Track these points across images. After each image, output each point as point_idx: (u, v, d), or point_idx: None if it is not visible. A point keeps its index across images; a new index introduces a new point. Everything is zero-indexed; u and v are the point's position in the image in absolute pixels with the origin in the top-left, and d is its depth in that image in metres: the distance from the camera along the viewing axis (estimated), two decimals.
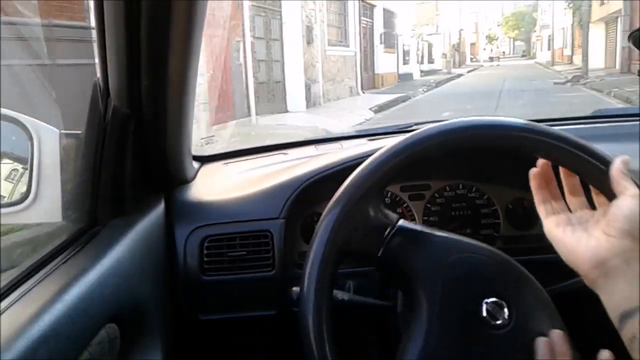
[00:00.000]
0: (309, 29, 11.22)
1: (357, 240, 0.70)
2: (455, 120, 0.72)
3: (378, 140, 1.29)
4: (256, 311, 1.03)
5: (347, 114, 10.13)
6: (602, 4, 24.50)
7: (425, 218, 1.17)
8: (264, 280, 1.02)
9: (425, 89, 16.18)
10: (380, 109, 11.15)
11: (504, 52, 72.83)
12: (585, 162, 0.68)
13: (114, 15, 0.75)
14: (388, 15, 19.12)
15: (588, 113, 1.53)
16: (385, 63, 18.25)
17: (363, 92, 15.03)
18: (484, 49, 68.73)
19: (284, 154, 1.37)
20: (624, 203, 0.64)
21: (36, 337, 0.58)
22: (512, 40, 74.93)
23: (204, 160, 1.34)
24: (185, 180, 1.14)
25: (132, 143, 0.90)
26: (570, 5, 29.68)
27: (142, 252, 0.91)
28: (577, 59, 30.89)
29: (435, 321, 0.69)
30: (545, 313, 0.72)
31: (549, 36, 44.55)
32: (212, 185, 1.17)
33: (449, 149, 0.71)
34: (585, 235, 0.67)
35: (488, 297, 0.70)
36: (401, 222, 0.73)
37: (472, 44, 58.42)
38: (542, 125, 0.71)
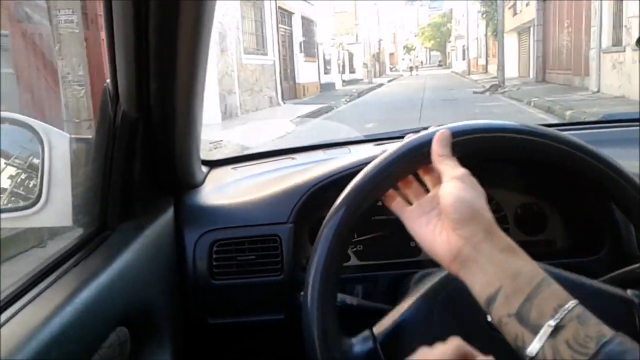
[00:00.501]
0: (221, 36, 10.76)
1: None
2: (455, 124, 0.73)
3: (386, 145, 1.27)
4: (265, 315, 1.03)
5: (265, 127, 9.69)
6: (515, 14, 25.46)
7: None
8: (272, 284, 1.03)
9: (347, 99, 15.95)
10: (302, 120, 10.48)
11: (422, 62, 73.82)
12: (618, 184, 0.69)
13: (123, 19, 0.75)
14: (307, 23, 18.79)
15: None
16: (306, 72, 17.94)
17: (284, 103, 14.61)
18: (403, 59, 69.91)
19: (292, 158, 1.37)
20: (447, 189, 0.63)
21: (47, 340, 0.59)
22: (428, 50, 76.75)
23: (213, 164, 1.35)
24: (194, 185, 1.14)
25: (141, 147, 0.90)
26: (484, 15, 29.87)
27: (151, 256, 0.91)
28: (492, 69, 31.42)
29: (438, 327, 0.69)
30: None
31: (464, 46, 45.13)
32: (220, 190, 1.18)
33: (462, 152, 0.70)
34: (438, 226, 0.65)
35: None
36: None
37: (391, 54, 59.80)
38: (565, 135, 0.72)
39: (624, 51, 11.09)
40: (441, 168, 0.65)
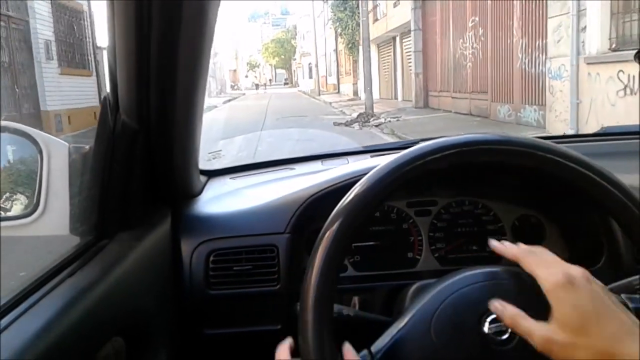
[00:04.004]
0: None
1: None
2: (456, 137, 0.73)
3: (384, 156, 1.27)
4: (261, 326, 1.03)
5: None
6: (375, 20, 19.18)
7: (431, 234, 1.17)
8: (269, 295, 1.03)
9: None
10: None
11: (270, 80, 69.41)
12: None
13: (125, 32, 0.76)
14: (68, 14, 9.74)
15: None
16: (68, 92, 9.85)
17: None
18: (246, 76, 65.49)
19: (291, 168, 1.38)
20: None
21: (43, 350, 0.59)
22: (273, 67, 70.79)
23: (211, 174, 1.35)
24: (192, 194, 1.15)
25: (140, 157, 0.91)
26: (335, 24, 24.38)
27: (148, 265, 0.92)
28: (345, 88, 27.56)
29: (436, 342, 0.69)
30: None
31: (310, 64, 40.85)
32: (218, 200, 1.18)
33: (456, 164, 0.72)
34: None
35: (491, 314, 0.68)
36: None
37: (233, 71, 55.25)
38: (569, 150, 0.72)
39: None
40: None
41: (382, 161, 0.72)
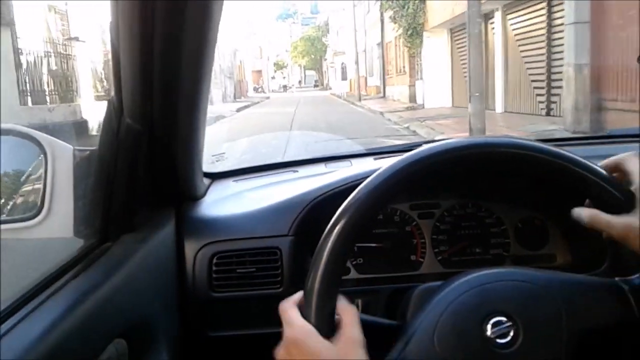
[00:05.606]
0: None
1: None
2: (454, 139, 0.73)
3: (387, 158, 1.24)
4: (265, 328, 1.03)
5: None
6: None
7: (434, 237, 1.18)
8: (272, 297, 1.01)
9: None
10: None
11: (300, 82, 65.11)
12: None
13: (129, 35, 0.77)
14: None
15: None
16: None
17: None
18: (273, 77, 60.84)
19: (294, 171, 1.38)
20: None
21: (45, 352, 0.59)
22: (302, 68, 64.96)
23: (215, 177, 1.35)
24: (195, 197, 1.15)
25: (144, 160, 0.91)
26: (384, 9, 19.63)
27: (152, 268, 0.92)
28: (395, 92, 20.61)
29: (438, 351, 0.68)
30: (554, 337, 0.70)
31: (342, 64, 37.60)
32: (222, 202, 1.18)
33: (451, 166, 0.73)
34: None
35: (493, 317, 0.69)
36: None
37: (258, 72, 50.61)
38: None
39: None
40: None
41: (386, 163, 0.72)
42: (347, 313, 0.69)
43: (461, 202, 1.19)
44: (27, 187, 0.88)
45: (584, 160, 0.72)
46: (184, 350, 1.03)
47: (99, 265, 0.80)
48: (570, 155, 0.72)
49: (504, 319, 0.69)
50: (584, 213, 0.72)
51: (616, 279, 0.74)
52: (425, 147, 0.73)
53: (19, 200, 0.88)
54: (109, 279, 0.76)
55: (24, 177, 0.88)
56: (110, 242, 0.87)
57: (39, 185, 0.84)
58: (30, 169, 0.87)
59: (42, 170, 0.84)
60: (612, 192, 0.71)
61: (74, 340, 0.64)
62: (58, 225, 0.84)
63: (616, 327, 0.70)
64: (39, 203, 0.83)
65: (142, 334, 0.85)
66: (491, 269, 0.75)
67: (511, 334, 0.68)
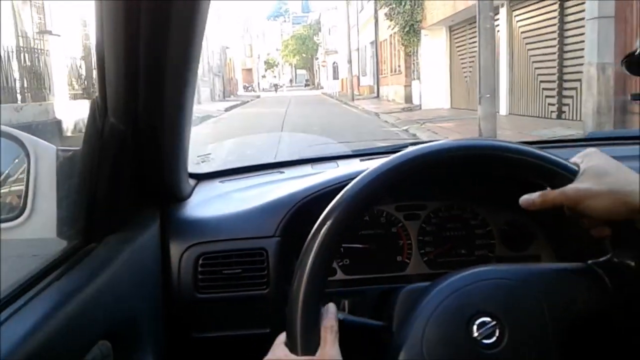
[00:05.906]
0: None
1: None
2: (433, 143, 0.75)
3: (373, 160, 1.24)
4: (250, 329, 1.03)
5: None
6: None
7: (420, 238, 1.18)
8: (258, 298, 1.02)
9: None
10: None
11: (291, 80, 65.06)
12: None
13: (113, 34, 0.76)
14: None
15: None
16: None
17: None
18: (263, 76, 60.30)
19: (280, 172, 1.38)
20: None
21: (28, 354, 0.58)
22: (293, 67, 65.10)
23: (200, 177, 1.34)
24: (181, 198, 1.14)
25: (128, 160, 0.90)
26: (379, 6, 19.15)
27: (136, 269, 0.91)
28: (389, 92, 20.19)
29: (425, 352, 0.69)
30: (539, 330, 0.70)
31: (334, 63, 37.34)
32: (207, 203, 1.17)
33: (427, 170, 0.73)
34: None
35: (477, 318, 0.69)
36: None
37: (248, 70, 50.23)
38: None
39: None
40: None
41: (372, 165, 0.73)
42: (329, 331, 0.69)
43: (447, 203, 1.20)
44: (8, 187, 0.86)
45: (537, 151, 0.74)
46: (169, 352, 1.02)
47: (83, 266, 0.79)
48: (526, 148, 0.74)
49: (488, 319, 0.70)
50: (533, 195, 0.74)
51: (589, 262, 0.77)
52: (411, 148, 0.73)
53: (1, 200, 0.87)
54: (93, 280, 0.75)
55: (3, 177, 0.87)
56: (95, 243, 0.86)
57: (21, 186, 0.83)
58: (10, 169, 0.86)
59: (24, 170, 0.83)
60: (564, 174, 0.73)
61: (58, 342, 0.64)
62: (41, 225, 0.83)
63: (598, 311, 0.72)
64: (21, 203, 0.82)
65: (127, 335, 0.84)
66: (471, 269, 0.76)
67: (497, 333, 0.69)
